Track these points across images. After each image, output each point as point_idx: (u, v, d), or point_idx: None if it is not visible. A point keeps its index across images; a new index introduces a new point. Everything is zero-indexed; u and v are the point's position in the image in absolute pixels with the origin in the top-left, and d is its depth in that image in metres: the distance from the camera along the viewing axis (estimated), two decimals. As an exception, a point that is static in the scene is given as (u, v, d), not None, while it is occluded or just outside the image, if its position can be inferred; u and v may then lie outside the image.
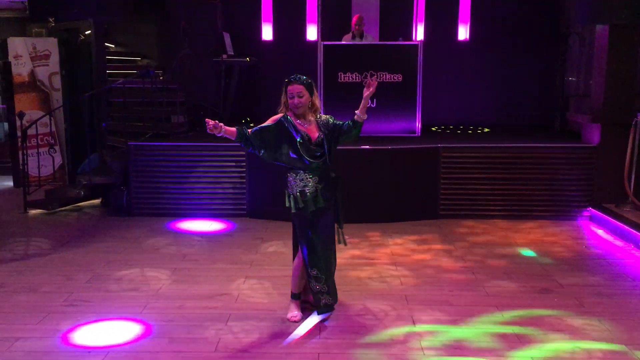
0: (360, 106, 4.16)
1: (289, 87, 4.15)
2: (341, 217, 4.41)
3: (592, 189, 7.25)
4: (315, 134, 4.19)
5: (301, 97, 4.12)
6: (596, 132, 7.26)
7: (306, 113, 4.21)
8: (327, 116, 4.30)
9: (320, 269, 4.27)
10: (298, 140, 4.12)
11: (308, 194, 4.16)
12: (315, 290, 4.34)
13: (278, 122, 4.18)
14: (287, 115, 4.20)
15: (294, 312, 4.39)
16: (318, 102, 4.29)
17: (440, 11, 9.77)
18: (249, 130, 4.13)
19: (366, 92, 4.14)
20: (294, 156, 4.16)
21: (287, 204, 4.26)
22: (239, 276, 5.30)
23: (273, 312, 4.48)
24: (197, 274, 5.40)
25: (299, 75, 4.19)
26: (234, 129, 4.05)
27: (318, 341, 4.04)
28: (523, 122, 9.96)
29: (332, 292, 4.42)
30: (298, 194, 4.17)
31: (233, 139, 4.06)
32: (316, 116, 4.26)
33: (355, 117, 4.17)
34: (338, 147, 4.37)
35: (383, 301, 4.73)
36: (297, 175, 4.21)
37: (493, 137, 8.58)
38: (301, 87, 4.13)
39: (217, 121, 3.95)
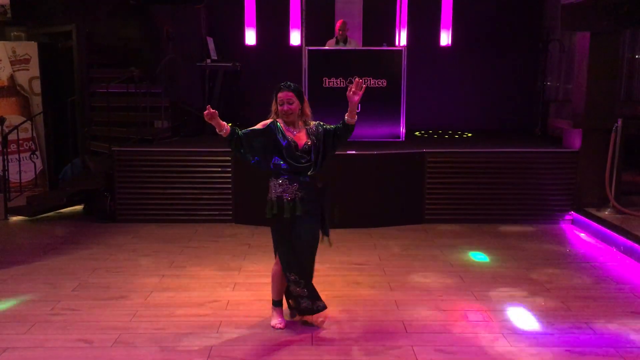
0: (349, 110, 4.16)
1: (279, 94, 4.16)
2: (327, 225, 4.38)
3: (574, 193, 7.36)
4: (302, 140, 4.20)
5: (291, 104, 4.14)
6: (578, 137, 7.38)
7: (295, 120, 4.22)
8: (316, 123, 4.30)
9: (297, 274, 4.25)
10: (284, 145, 4.13)
11: (285, 200, 4.15)
12: (296, 293, 4.33)
13: (267, 127, 4.19)
14: (277, 121, 4.21)
15: (278, 319, 4.38)
16: (309, 110, 4.30)
17: (423, 17, 9.84)
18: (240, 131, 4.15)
19: (355, 99, 4.12)
20: (279, 162, 4.18)
21: (267, 213, 4.25)
22: (228, 283, 5.28)
23: (264, 320, 4.46)
24: (185, 281, 5.36)
25: (289, 83, 4.21)
26: (227, 125, 4.05)
27: (310, 348, 4.04)
28: (504, 127, 10.09)
29: (311, 295, 4.34)
30: (275, 199, 4.18)
31: (223, 134, 4.06)
32: (305, 124, 4.27)
33: (346, 120, 4.19)
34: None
35: (373, 307, 4.74)
36: (277, 180, 4.21)
37: (476, 142, 8.67)
38: (291, 94, 4.15)
39: (216, 111, 3.98)
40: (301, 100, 4.21)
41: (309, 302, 4.33)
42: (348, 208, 7.17)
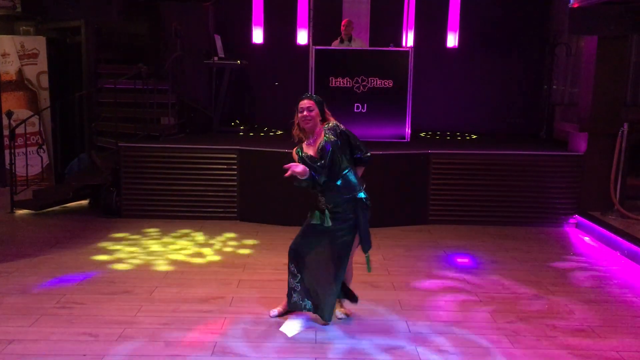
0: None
1: (300, 103, 4.27)
2: (364, 241, 4.53)
3: (579, 197, 7.37)
4: (316, 144, 4.25)
5: (311, 111, 4.23)
6: (583, 141, 7.38)
7: (314, 127, 4.28)
8: (335, 123, 4.31)
9: (299, 270, 4.39)
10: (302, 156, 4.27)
11: (317, 211, 4.36)
12: (290, 284, 4.46)
13: (299, 158, 4.32)
14: (300, 147, 4.35)
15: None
16: (328, 114, 4.36)
17: (430, 18, 9.85)
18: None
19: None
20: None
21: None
22: (233, 280, 5.31)
23: (268, 317, 4.49)
24: (190, 277, 5.39)
25: (310, 93, 4.42)
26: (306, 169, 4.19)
27: (314, 345, 4.07)
28: (509, 130, 10.09)
29: (305, 291, 4.43)
30: (313, 206, 4.41)
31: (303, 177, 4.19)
32: (324, 125, 4.31)
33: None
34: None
35: (377, 306, 4.76)
36: (316, 192, 4.42)
37: (481, 144, 8.68)
38: (311, 102, 4.26)
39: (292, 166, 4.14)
40: (321, 109, 4.29)
41: (299, 297, 4.45)
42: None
